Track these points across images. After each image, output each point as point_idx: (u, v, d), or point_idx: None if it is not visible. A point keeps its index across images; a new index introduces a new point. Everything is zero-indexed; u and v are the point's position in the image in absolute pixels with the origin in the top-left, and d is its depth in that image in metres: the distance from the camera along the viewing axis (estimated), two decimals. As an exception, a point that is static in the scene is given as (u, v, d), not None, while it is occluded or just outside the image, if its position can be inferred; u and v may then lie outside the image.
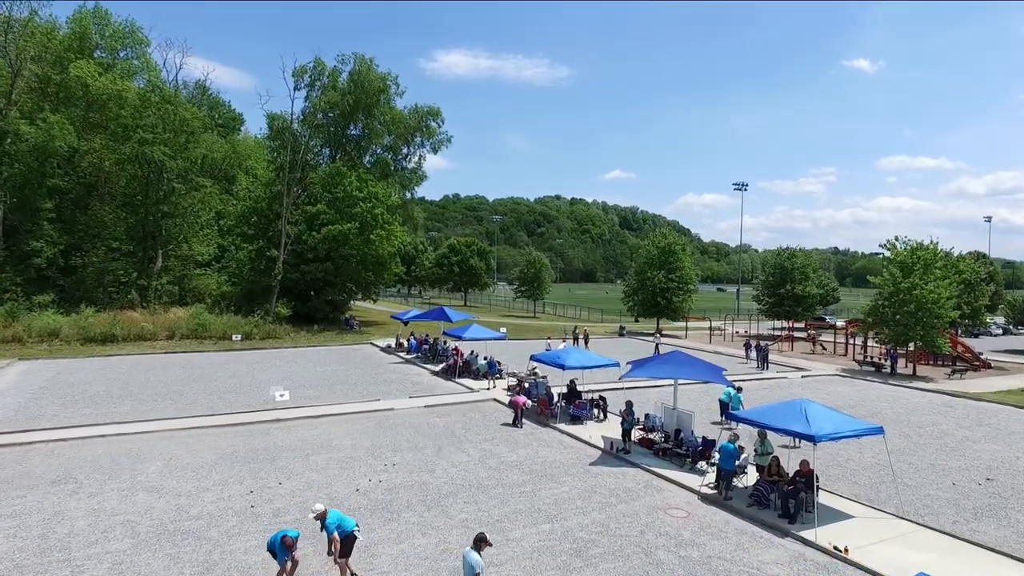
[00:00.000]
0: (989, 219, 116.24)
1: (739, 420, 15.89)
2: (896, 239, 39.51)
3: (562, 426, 21.63)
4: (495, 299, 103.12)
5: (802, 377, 35.21)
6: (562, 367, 22.14)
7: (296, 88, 48.37)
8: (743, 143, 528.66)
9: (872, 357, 40.73)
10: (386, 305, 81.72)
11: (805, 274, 60.13)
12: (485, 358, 31.01)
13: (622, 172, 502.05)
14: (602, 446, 19.29)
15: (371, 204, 46.30)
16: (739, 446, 15.44)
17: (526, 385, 25.66)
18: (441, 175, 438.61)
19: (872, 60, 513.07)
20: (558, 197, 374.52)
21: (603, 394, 24.24)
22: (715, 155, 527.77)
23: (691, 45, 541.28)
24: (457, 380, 29.60)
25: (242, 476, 15.96)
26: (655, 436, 19.57)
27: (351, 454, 18.06)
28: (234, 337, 39.48)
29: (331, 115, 49.48)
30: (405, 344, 38.39)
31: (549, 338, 37.92)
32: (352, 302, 54.56)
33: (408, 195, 55.22)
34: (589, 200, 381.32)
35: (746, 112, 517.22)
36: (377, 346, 41.67)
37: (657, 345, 41.83)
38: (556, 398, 23.30)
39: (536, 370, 27.45)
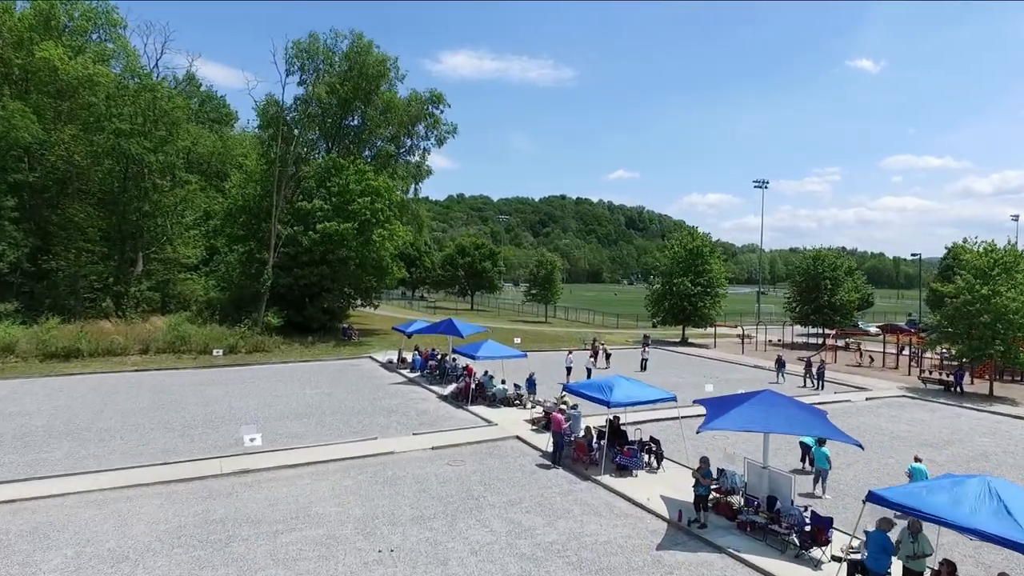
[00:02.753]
0: (1016, 217, 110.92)
1: (885, 503, 10.75)
2: (967, 240, 34.69)
3: (607, 479, 17.00)
4: (503, 302, 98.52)
5: (867, 400, 30.45)
6: (606, 404, 17.50)
7: (288, 72, 43.85)
8: (747, 143, 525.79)
9: (936, 372, 35.96)
10: (389, 309, 77.20)
11: (838, 279, 55.25)
12: (503, 381, 26.41)
13: (626, 172, 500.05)
14: (666, 514, 14.66)
15: (371, 200, 41.71)
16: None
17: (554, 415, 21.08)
18: (445, 175, 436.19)
19: (875, 60, 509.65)
20: (563, 197, 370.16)
21: (650, 431, 19.66)
22: (719, 155, 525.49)
23: (694, 45, 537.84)
24: (469, 408, 24.99)
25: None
26: (734, 500, 14.94)
27: (335, 530, 13.46)
28: (215, 352, 34.97)
29: (328, 102, 44.84)
30: (409, 360, 33.81)
31: (571, 352, 33.25)
32: (351, 308, 49.95)
33: (412, 192, 50.49)
34: (595, 200, 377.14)
35: (749, 112, 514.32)
36: (377, 361, 37.09)
37: (644, 360, 37.00)
38: (595, 438, 18.70)
39: (566, 399, 22.84)
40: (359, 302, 50.20)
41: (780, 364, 34.57)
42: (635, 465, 17.51)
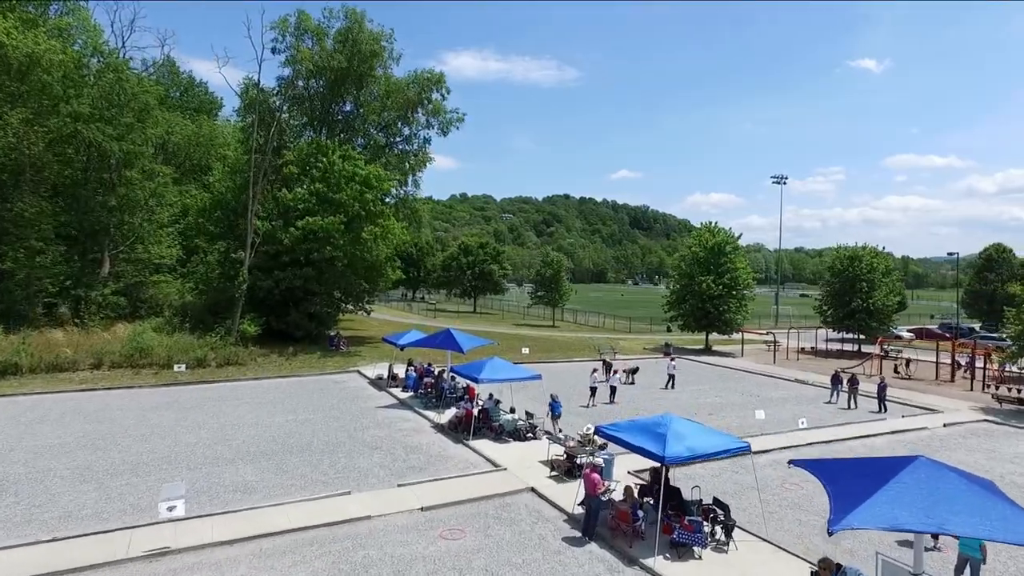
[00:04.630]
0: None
1: None
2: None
3: (660, 563, 12.25)
4: (507, 303, 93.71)
5: (944, 427, 25.57)
6: (660, 459, 12.69)
7: (274, 51, 39.12)
8: (750, 143, 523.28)
9: (1016, 390, 31.13)
10: (387, 312, 72.47)
11: (875, 280, 50.35)
12: (511, 409, 21.66)
13: (629, 172, 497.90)
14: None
15: (359, 190, 36.93)
16: None
17: (582, 461, 16.40)
18: (448, 174, 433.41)
19: (878, 60, 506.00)
20: (567, 196, 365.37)
21: (708, 483, 14.89)
22: (722, 155, 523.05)
23: (696, 46, 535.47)
24: (470, 443, 20.21)
25: None
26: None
27: None
28: (177, 367, 30.23)
29: (315, 85, 40.07)
30: (401, 376, 29.05)
31: (595, 370, 28.43)
32: (341, 314, 45.18)
33: (410, 185, 45.60)
34: (598, 199, 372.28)
35: (752, 111, 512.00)
36: (365, 376, 32.35)
37: (672, 376, 32.13)
38: (639, 500, 13.95)
39: (592, 434, 18.05)
40: (351, 307, 45.51)
41: (836, 381, 29.67)
42: (697, 541, 12.73)
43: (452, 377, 25.59)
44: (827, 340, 52.27)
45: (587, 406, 26.87)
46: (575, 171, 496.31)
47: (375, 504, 14.93)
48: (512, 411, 21.50)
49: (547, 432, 21.16)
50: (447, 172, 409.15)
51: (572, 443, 18.04)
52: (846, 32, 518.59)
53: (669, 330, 64.50)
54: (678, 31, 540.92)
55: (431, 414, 23.96)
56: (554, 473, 17.28)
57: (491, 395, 22.96)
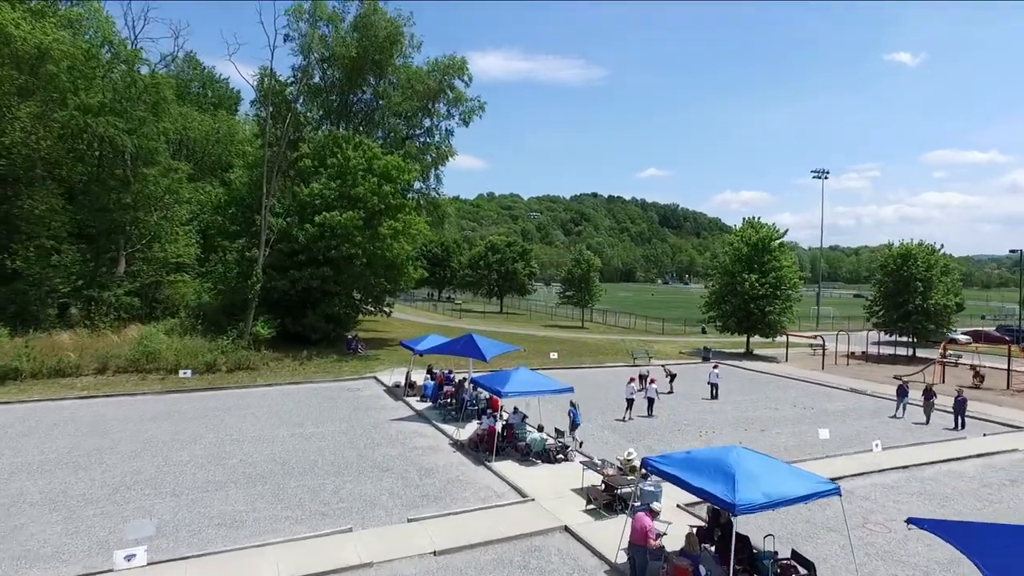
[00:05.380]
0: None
1: None
2: None
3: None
4: (534, 303, 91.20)
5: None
6: (730, 507, 10.06)
7: (286, 39, 37.24)
8: (781, 140, 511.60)
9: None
10: (411, 313, 70.66)
11: (932, 280, 46.51)
12: (539, 427, 19.19)
13: (657, 170, 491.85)
14: None
15: (378, 183, 34.80)
16: None
17: (625, 492, 13.89)
18: (475, 174, 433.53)
19: (914, 53, 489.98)
20: (595, 195, 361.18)
21: (782, 530, 12.21)
22: (752, 152, 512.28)
23: (726, 44, 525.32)
24: (492, 465, 17.78)
25: None
26: None
27: None
28: (182, 373, 28.44)
29: (332, 73, 38.06)
30: (419, 384, 26.77)
31: (632, 380, 25.74)
32: (360, 315, 43.20)
33: (432, 179, 43.32)
34: (627, 198, 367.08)
35: (782, 108, 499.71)
36: (382, 383, 30.17)
37: (715, 385, 29.20)
38: (699, 553, 11.33)
39: (632, 460, 15.50)
40: (372, 308, 43.47)
41: (902, 393, 26.48)
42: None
43: (474, 387, 23.19)
44: (879, 343, 48.59)
45: (623, 419, 24.25)
46: (603, 170, 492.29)
47: (379, 546, 12.60)
48: (540, 429, 18.99)
49: (579, 453, 18.63)
50: (474, 172, 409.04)
51: (611, 470, 15.47)
52: (879, 26, 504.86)
53: (704, 331, 61.33)
54: (705, 28, 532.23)
55: (450, 428, 21.61)
56: (591, 507, 14.74)
57: (516, 409, 20.50)
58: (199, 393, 27.38)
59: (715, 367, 29.78)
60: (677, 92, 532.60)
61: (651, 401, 25.08)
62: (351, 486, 16.18)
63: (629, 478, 14.90)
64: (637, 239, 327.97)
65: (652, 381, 25.86)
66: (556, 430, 19.46)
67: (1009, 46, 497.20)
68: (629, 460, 15.36)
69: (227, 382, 29.43)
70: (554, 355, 36.63)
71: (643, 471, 14.56)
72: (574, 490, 15.88)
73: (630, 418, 24.29)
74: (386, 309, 42.03)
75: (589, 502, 14.91)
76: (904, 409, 26.26)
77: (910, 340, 48.50)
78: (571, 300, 66.68)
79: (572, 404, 20.37)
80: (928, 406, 25.19)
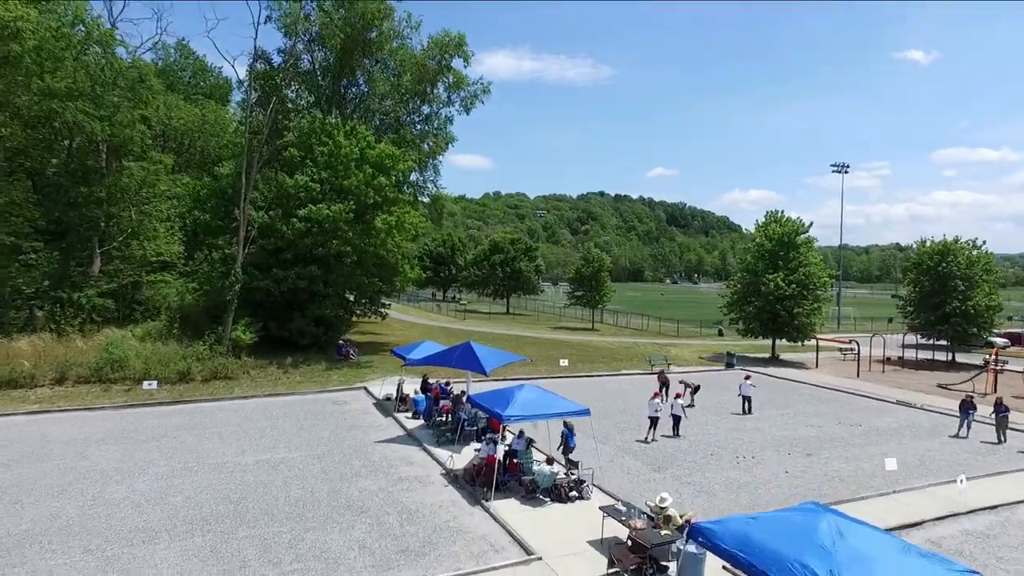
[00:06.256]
0: None
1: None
2: None
3: None
4: (542, 304, 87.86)
5: None
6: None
7: (268, 20, 34.14)
8: (789, 139, 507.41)
9: None
10: (414, 314, 67.54)
11: (974, 279, 42.93)
12: (548, 460, 15.90)
13: (664, 169, 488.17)
14: None
15: (372, 173, 31.66)
16: None
17: (657, 552, 10.62)
18: (482, 174, 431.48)
19: (925, 51, 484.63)
20: (602, 194, 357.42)
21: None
22: (760, 152, 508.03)
23: (734, 43, 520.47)
24: (490, 506, 14.53)
25: None
26: None
27: None
28: (147, 384, 25.39)
29: (321, 55, 34.92)
30: (411, 398, 23.55)
31: (656, 395, 22.35)
32: (354, 317, 40.03)
33: (430, 170, 40.00)
34: (634, 196, 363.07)
35: (790, 107, 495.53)
36: (372, 395, 27.01)
37: (748, 399, 25.85)
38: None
39: (667, 508, 12.22)
40: (368, 309, 40.25)
41: (967, 408, 22.93)
42: None
43: (471, 408, 19.91)
44: (916, 347, 45.00)
45: (645, 440, 20.97)
46: (610, 169, 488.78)
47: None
48: (550, 461, 15.69)
49: (597, 488, 15.37)
50: (481, 171, 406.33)
51: (639, 521, 12.19)
52: (890, 24, 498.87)
53: (721, 334, 57.92)
54: (712, 27, 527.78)
55: (443, 454, 18.38)
56: (614, 570, 11.49)
57: (521, 432, 17.24)
58: (165, 407, 24.33)
59: (747, 377, 26.35)
60: (683, 91, 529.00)
61: (677, 419, 21.75)
62: (313, 536, 12.99)
63: (664, 533, 11.63)
64: (645, 238, 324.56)
65: (678, 396, 22.53)
66: (568, 460, 16.19)
67: (1020, 43, 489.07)
68: (663, 509, 12.09)
69: (200, 394, 26.39)
70: (564, 362, 33.42)
71: (675, 515, 11.38)
72: (592, 543, 12.65)
73: (653, 439, 21.01)
74: (381, 311, 38.83)
75: (612, 563, 11.66)
76: (969, 428, 22.81)
77: (948, 344, 44.89)
78: (580, 301, 63.36)
79: (566, 425, 17.12)
80: (1001, 422, 21.76)
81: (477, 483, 15.76)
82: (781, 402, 28.47)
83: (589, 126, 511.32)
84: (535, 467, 15.33)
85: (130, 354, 27.90)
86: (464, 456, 18.05)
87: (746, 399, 25.63)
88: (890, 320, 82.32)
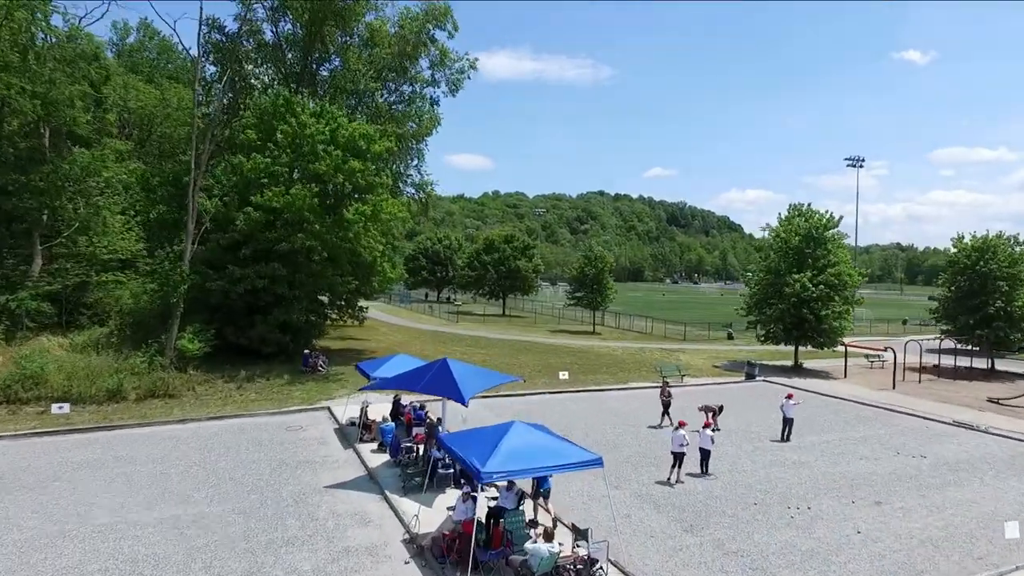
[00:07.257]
0: None
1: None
2: None
3: None
4: (540, 305, 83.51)
5: None
6: None
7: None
8: (787, 138, 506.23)
9: None
10: (405, 316, 63.18)
11: (1018, 278, 38.76)
12: (548, 535, 11.47)
13: (663, 170, 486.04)
14: None
15: (343, 156, 27.31)
16: None
17: None
18: (481, 174, 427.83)
19: (923, 51, 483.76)
20: (601, 193, 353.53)
21: None
22: (758, 151, 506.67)
23: (731, 41, 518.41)
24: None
25: None
26: None
27: None
28: (56, 408, 20.95)
29: (285, 28, 30.57)
30: (376, 425, 19.15)
31: (680, 426, 17.78)
32: (328, 322, 35.67)
33: (414, 156, 35.55)
34: (634, 196, 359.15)
35: (788, 107, 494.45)
36: (335, 418, 22.60)
37: (790, 422, 21.55)
38: None
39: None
40: (343, 311, 35.86)
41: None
42: None
43: (444, 456, 15.52)
44: (953, 352, 40.73)
45: (668, 482, 16.64)
46: (608, 170, 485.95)
47: None
48: (549, 538, 11.24)
49: (617, 567, 11.03)
50: (480, 171, 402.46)
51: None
52: (889, 24, 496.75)
53: (730, 337, 53.70)
54: (712, 28, 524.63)
55: (410, 507, 14.00)
56: None
57: (511, 483, 12.90)
58: (79, 436, 19.93)
59: (788, 396, 21.85)
60: (682, 91, 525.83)
61: (706, 454, 17.39)
62: (193, 666, 8.65)
63: None
64: (645, 238, 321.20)
65: (707, 426, 18.09)
66: (574, 527, 11.88)
67: (1017, 44, 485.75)
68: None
69: (129, 416, 22.01)
70: (564, 375, 29.10)
71: None
72: None
73: (679, 479, 16.67)
74: (358, 315, 34.43)
75: None
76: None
77: (986, 350, 40.64)
78: (581, 302, 59.03)
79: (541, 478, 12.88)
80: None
81: (449, 559, 11.43)
82: (820, 423, 24.14)
83: (589, 125, 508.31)
84: (528, 545, 10.93)
85: (50, 368, 23.53)
86: (437, 510, 13.74)
87: (787, 422, 21.29)
88: (904, 322, 78.28)
